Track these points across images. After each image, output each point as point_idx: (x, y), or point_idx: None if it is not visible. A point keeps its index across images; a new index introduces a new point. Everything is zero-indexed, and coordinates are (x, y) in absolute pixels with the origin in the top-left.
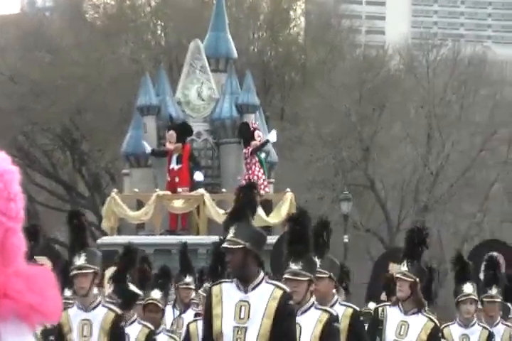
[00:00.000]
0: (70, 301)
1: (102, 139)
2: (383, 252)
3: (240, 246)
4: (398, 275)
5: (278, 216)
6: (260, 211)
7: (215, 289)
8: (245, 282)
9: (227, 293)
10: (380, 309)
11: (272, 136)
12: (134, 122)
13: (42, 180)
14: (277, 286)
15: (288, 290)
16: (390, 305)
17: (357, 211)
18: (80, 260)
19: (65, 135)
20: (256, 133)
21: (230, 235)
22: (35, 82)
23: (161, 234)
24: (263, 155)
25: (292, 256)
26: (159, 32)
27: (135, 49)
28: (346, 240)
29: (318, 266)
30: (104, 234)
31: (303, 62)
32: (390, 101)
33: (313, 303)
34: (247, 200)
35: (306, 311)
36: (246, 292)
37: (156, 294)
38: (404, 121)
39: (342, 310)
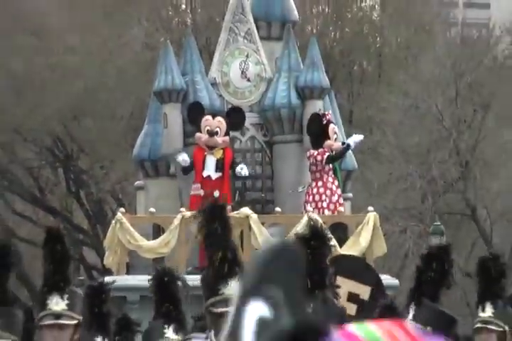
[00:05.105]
0: None
1: (107, 153)
2: None
3: None
4: (478, 325)
5: (356, 245)
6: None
7: None
8: None
9: None
10: None
11: (355, 139)
12: (151, 113)
13: (25, 207)
14: None
15: None
16: None
17: (453, 248)
18: (59, 304)
19: (56, 147)
20: (331, 127)
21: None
22: (14, 75)
23: (188, 274)
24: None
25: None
26: (183, 6)
27: (150, 30)
28: None
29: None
30: (107, 273)
31: (378, 47)
32: (497, 99)
33: None
34: None
35: None
36: None
37: None
38: None
39: None
